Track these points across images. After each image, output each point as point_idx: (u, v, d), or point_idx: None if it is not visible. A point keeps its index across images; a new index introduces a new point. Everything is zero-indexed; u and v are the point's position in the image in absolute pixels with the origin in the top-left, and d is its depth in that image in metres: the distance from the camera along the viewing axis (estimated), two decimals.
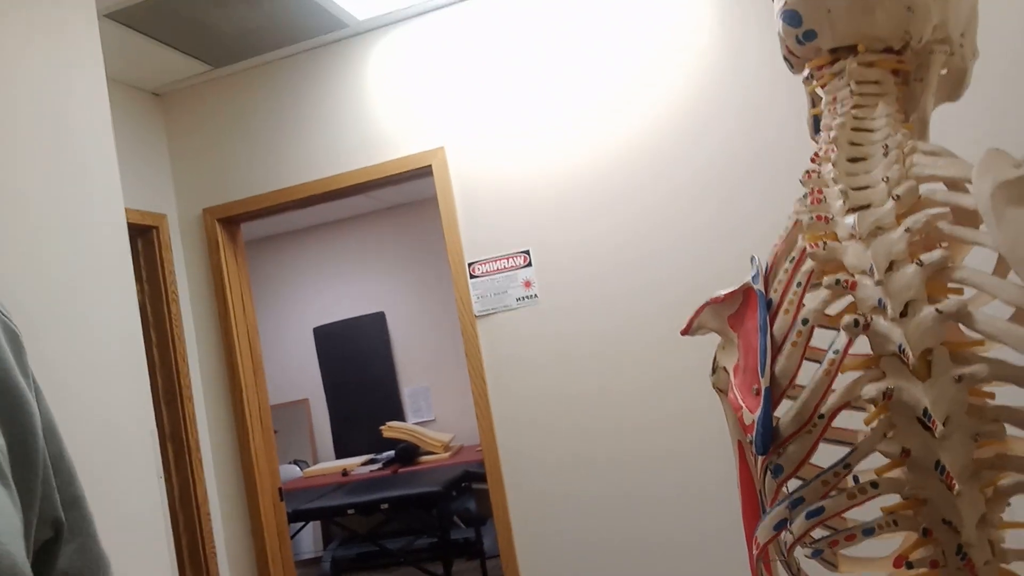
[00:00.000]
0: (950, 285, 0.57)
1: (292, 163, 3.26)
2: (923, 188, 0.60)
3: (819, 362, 0.60)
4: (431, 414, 5.75)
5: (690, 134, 2.80)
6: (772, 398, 0.59)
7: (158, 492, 1.95)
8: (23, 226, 1.75)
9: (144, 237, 3.20)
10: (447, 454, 5.09)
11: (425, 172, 3.12)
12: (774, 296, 0.62)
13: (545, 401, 2.94)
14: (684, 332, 0.76)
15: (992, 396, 0.57)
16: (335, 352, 5.93)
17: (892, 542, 0.83)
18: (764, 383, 0.58)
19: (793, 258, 0.62)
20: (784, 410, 0.60)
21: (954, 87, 0.77)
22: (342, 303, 5.95)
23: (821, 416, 0.56)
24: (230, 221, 3.35)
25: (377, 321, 5.81)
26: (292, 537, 5.55)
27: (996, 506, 0.57)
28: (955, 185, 0.60)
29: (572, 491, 2.89)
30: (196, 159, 3.38)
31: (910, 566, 0.59)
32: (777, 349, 0.60)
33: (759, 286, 0.63)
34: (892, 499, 0.61)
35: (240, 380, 3.25)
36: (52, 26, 1.95)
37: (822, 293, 0.58)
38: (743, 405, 0.62)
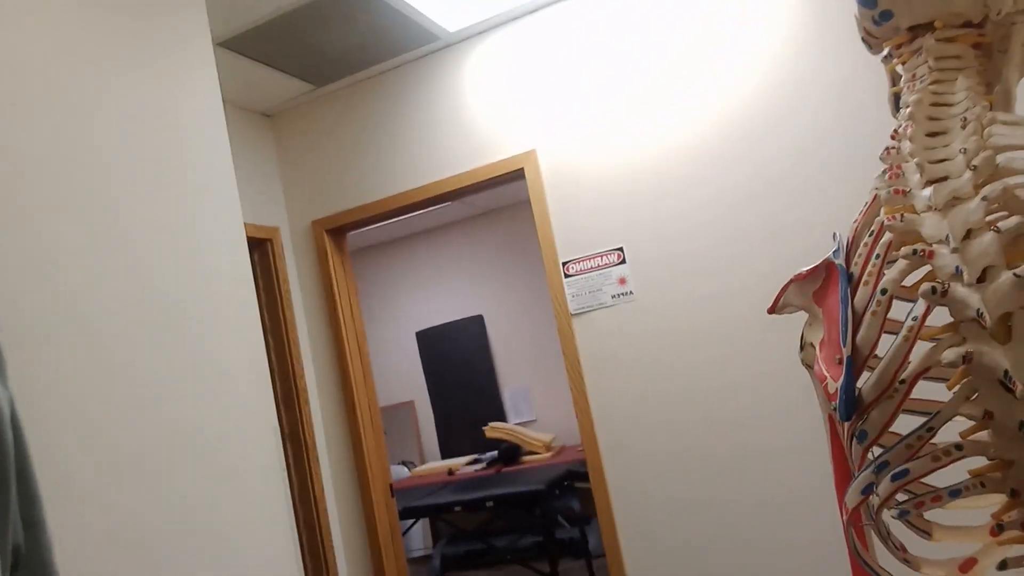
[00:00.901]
0: None
1: (392, 173, 3.40)
2: (1003, 157, 0.61)
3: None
4: (532, 414, 5.82)
5: (777, 118, 2.76)
6: (854, 366, 0.61)
7: (283, 486, 2.10)
8: (153, 246, 1.93)
9: (260, 249, 3.41)
10: (549, 454, 5.14)
11: (518, 175, 3.20)
12: (854, 269, 0.65)
13: (644, 396, 2.95)
14: (771, 311, 0.79)
15: None
16: (437, 355, 6.10)
17: (988, 512, 0.83)
18: (846, 352, 0.61)
19: (872, 232, 0.65)
20: (866, 379, 0.62)
21: None
22: (443, 307, 6.11)
23: (902, 381, 0.59)
24: (337, 231, 3.52)
25: (476, 324, 5.93)
26: (403, 535, 5.73)
27: None
28: None
29: (675, 486, 2.89)
30: (304, 174, 3.58)
31: (1001, 528, 0.61)
32: (858, 320, 0.62)
33: (840, 260, 0.65)
34: (980, 463, 0.63)
35: (351, 381, 3.41)
36: (172, 57, 2.14)
37: (900, 263, 0.60)
38: (828, 376, 0.64)
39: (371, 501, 3.37)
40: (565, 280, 3.11)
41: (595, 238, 3.06)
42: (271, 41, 2.99)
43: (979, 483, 0.61)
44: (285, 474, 2.11)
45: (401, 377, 6.22)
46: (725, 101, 2.84)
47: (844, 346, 0.61)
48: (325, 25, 2.96)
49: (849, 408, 0.61)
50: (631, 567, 2.95)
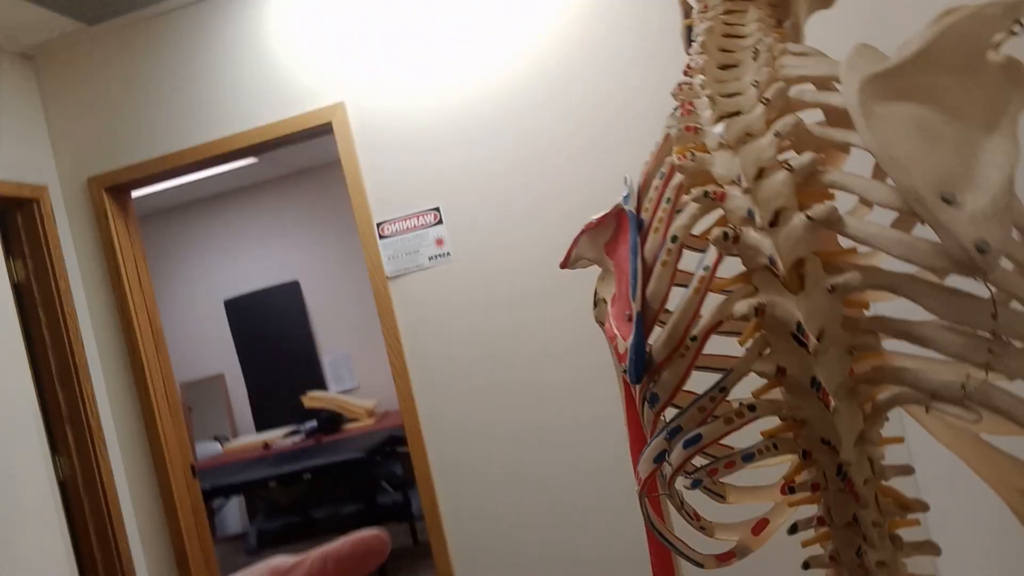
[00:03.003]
0: (824, 190, 0.54)
1: (183, 125, 3.07)
2: (795, 90, 0.57)
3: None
4: (354, 381, 5.65)
5: (583, 63, 2.75)
6: (644, 323, 0.55)
7: (46, 472, 1.83)
8: None
9: (23, 210, 2.97)
10: (372, 420, 5.02)
11: (326, 129, 2.99)
12: (645, 216, 0.58)
13: (463, 359, 2.89)
14: (563, 265, 0.72)
15: (866, 306, 0.54)
16: (250, 324, 5.75)
17: (783, 470, 0.81)
18: (635, 308, 0.54)
19: (663, 173, 0.58)
20: (657, 336, 0.56)
21: None
22: (254, 274, 5.76)
23: (693, 338, 0.52)
24: (119, 189, 3.14)
25: (292, 290, 5.64)
26: (216, 514, 5.41)
27: (875, 422, 0.55)
28: (825, 85, 0.56)
29: (493, 449, 2.87)
30: (77, 125, 3.15)
31: (792, 491, 0.57)
32: (648, 271, 0.55)
33: (630, 206, 0.59)
34: (775, 423, 0.59)
35: (141, 355, 3.09)
36: None
37: (691, 207, 0.54)
38: (618, 334, 0.58)
39: (170, 483, 3.09)
40: (380, 242, 2.96)
41: (411, 198, 2.93)
42: None
43: (771, 445, 0.56)
44: (48, 459, 1.84)
45: (209, 349, 5.81)
46: (532, 49, 2.79)
47: (633, 301, 0.54)
48: None
49: (639, 369, 0.54)
50: (449, 527, 2.91)
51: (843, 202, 0.62)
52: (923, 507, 0.55)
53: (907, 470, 0.56)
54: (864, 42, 0.56)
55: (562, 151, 2.78)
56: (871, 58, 0.52)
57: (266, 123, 3.00)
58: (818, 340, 0.51)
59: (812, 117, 0.63)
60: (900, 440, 0.57)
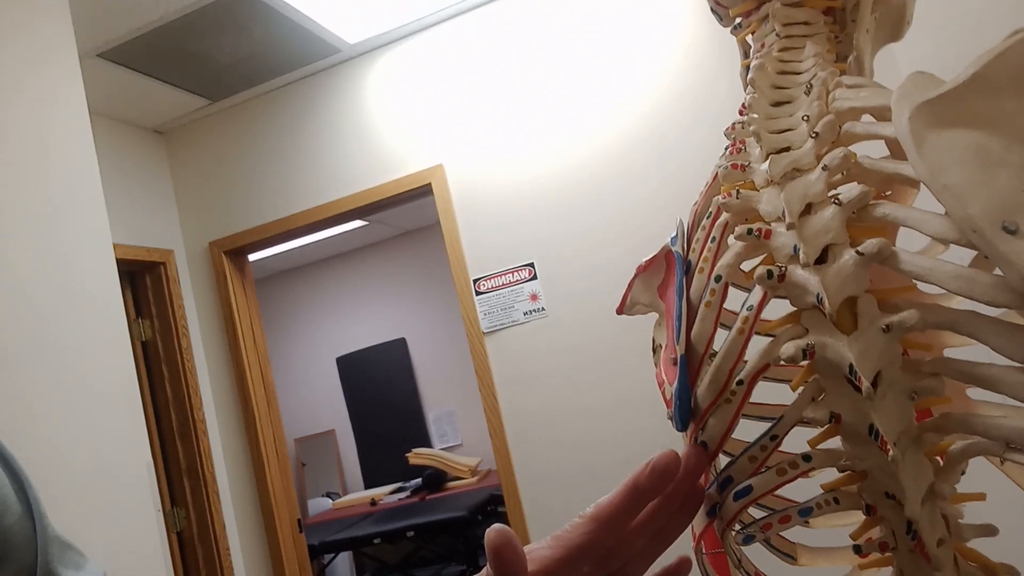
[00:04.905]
0: (882, 226, 0.51)
1: (294, 191, 3.26)
2: (849, 124, 0.54)
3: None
4: (457, 438, 5.69)
5: (680, 130, 2.73)
6: (690, 367, 0.52)
7: (156, 524, 1.92)
8: (4, 265, 1.75)
9: (152, 273, 3.21)
10: (475, 478, 5.01)
11: (426, 191, 3.10)
12: (693, 256, 0.56)
13: (558, 414, 2.87)
14: (619, 311, 0.70)
15: (930, 348, 0.50)
16: (359, 381, 5.92)
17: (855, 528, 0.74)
18: (680, 351, 0.52)
19: (710, 213, 0.56)
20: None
21: (895, 25, 0.71)
22: (363, 332, 5.95)
23: (740, 382, 0.50)
24: (236, 252, 3.35)
25: (399, 347, 5.78)
26: (324, 569, 5.50)
27: (948, 475, 0.50)
28: (883, 116, 0.54)
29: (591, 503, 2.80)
30: (200, 193, 3.40)
31: (859, 550, 0.52)
32: (694, 313, 0.53)
33: (677, 247, 0.57)
34: (835, 474, 0.55)
35: (253, 411, 3.23)
36: (32, 65, 1.97)
37: (736, 245, 0.52)
38: (664, 379, 0.56)
39: (277, 536, 3.18)
40: (477, 298, 3.01)
41: (506, 254, 2.97)
42: (157, 52, 2.82)
43: (832, 499, 0.52)
44: (160, 511, 1.93)
45: (321, 405, 6.00)
46: (629, 113, 2.81)
47: (678, 344, 0.52)
48: (216, 36, 2.81)
49: (684, 416, 0.52)
50: None
51: (914, 242, 0.59)
52: (1011, 573, 0.49)
53: (991, 530, 0.51)
54: (922, 70, 0.53)
55: (658, 212, 2.76)
56: (924, 84, 0.49)
57: (371, 186, 3.13)
58: (873, 384, 0.48)
59: (879, 152, 0.60)
60: (981, 497, 0.52)
